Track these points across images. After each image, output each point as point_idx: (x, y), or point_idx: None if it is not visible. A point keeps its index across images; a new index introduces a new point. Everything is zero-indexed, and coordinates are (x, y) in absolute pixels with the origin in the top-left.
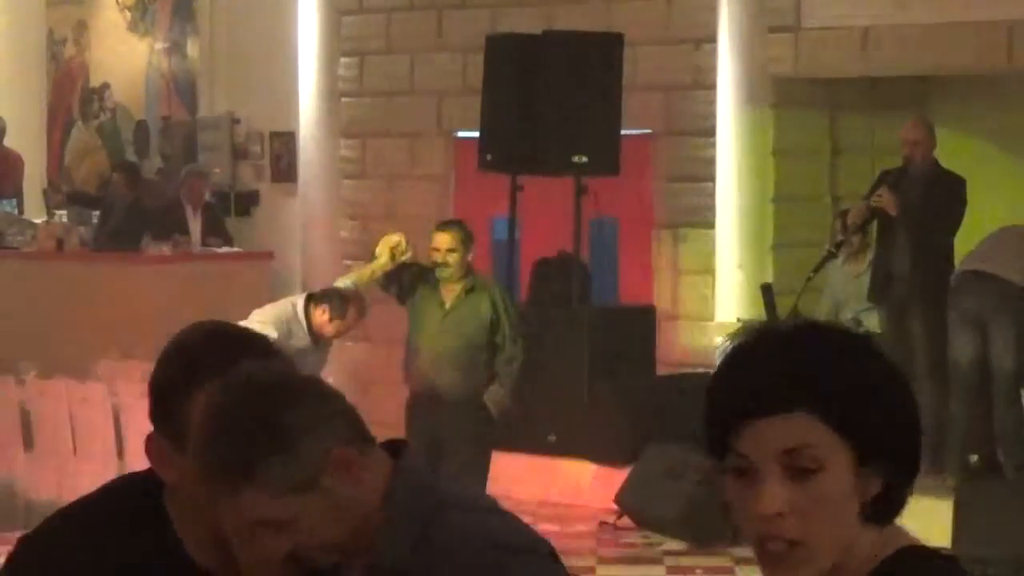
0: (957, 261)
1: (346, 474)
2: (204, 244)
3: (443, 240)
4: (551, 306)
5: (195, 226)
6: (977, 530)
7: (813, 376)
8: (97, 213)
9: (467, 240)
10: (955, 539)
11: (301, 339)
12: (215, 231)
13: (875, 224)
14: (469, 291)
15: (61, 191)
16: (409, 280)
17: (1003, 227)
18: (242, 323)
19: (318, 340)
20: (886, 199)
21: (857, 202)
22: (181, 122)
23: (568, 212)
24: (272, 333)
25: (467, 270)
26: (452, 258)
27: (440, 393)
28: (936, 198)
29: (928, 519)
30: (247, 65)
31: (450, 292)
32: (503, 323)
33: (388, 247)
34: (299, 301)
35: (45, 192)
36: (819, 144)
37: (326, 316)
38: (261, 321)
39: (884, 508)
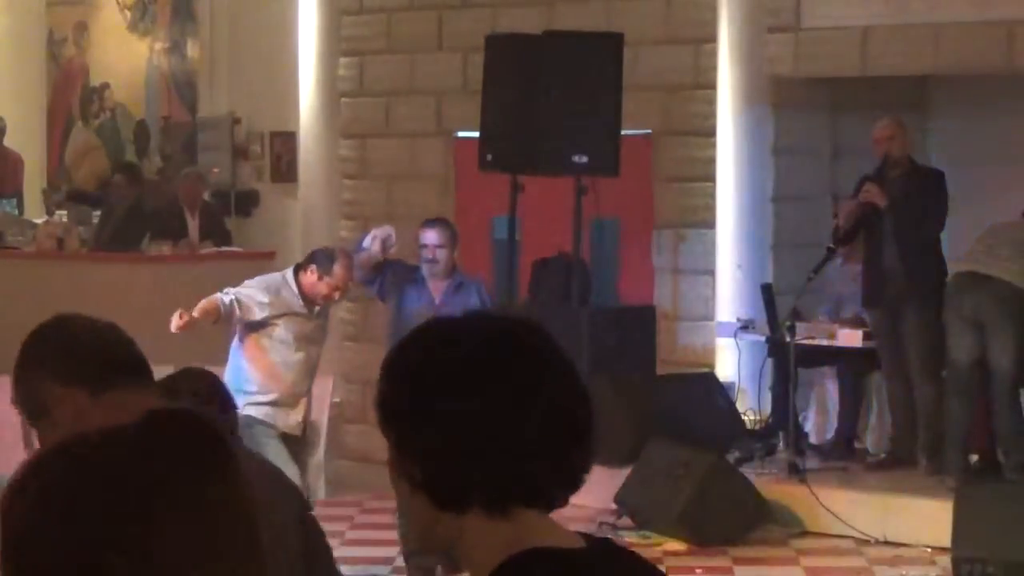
0: (946, 257)
1: (69, 411)
2: (201, 245)
3: (431, 237)
4: (551, 306)
5: (192, 227)
6: (977, 530)
7: (393, 355)
8: (97, 213)
9: (454, 237)
10: (955, 539)
11: (294, 303)
12: (213, 232)
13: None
14: (457, 287)
15: (61, 190)
16: (393, 279)
17: (999, 224)
18: (234, 289)
19: (312, 305)
20: (873, 191)
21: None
22: (181, 122)
23: (568, 212)
24: (262, 296)
25: (454, 267)
26: (440, 254)
27: None
28: (917, 193)
29: (928, 519)
30: (247, 65)
31: (438, 289)
32: None
33: (379, 239)
34: (288, 271)
35: (45, 192)
36: (819, 144)
37: (315, 276)
38: (249, 285)
39: (442, 497)
